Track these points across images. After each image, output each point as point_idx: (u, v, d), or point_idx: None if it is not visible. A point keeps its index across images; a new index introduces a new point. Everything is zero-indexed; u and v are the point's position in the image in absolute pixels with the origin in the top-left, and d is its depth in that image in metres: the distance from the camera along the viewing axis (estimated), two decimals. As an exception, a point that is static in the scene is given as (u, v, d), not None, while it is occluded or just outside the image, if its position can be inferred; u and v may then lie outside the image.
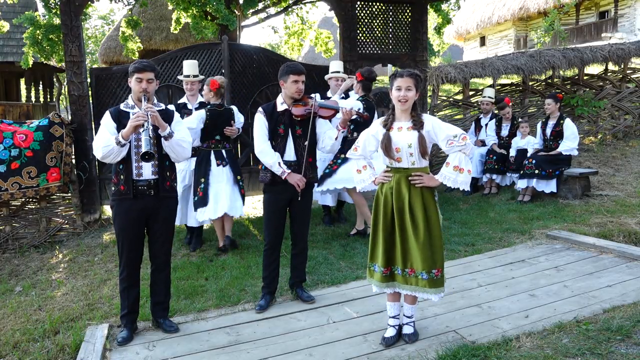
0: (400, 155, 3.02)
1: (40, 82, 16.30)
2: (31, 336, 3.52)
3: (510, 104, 7.32)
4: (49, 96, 16.86)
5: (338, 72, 5.73)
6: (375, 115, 5.37)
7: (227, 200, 4.91)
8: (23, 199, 5.77)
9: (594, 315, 3.36)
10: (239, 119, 5.26)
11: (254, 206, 7.36)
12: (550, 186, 6.44)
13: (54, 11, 8.73)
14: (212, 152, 4.97)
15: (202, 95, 5.36)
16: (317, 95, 5.42)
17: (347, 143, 4.92)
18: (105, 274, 4.76)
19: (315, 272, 4.47)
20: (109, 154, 3.19)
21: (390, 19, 7.26)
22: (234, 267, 4.68)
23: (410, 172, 3.03)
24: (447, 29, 14.30)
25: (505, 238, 5.27)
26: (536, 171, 6.42)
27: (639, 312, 3.28)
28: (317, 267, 4.61)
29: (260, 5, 13.05)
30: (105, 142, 3.18)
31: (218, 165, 4.96)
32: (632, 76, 9.41)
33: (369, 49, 7.22)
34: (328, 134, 3.76)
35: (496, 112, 7.55)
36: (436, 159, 7.61)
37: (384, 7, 7.20)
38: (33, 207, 5.87)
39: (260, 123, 3.71)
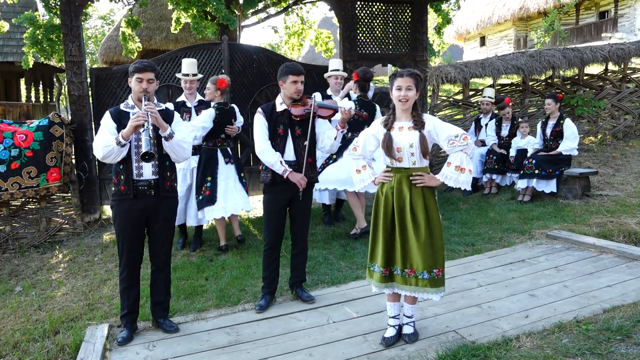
0: (401, 155, 3.02)
1: (40, 82, 16.30)
2: (31, 336, 3.52)
3: (510, 104, 7.32)
4: (49, 96, 16.86)
5: (338, 70, 5.74)
6: (378, 112, 5.36)
7: (237, 199, 4.99)
8: (23, 199, 5.77)
9: (594, 315, 3.36)
10: (240, 117, 5.29)
11: (254, 206, 7.35)
12: (550, 186, 6.44)
13: (54, 11, 8.73)
14: (218, 150, 5.00)
15: (199, 93, 5.37)
16: (318, 95, 5.43)
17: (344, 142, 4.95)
18: (105, 274, 4.76)
19: (315, 272, 4.47)
20: (109, 154, 3.18)
21: (390, 19, 7.26)
22: (234, 267, 4.68)
23: (411, 172, 3.04)
24: (447, 29, 14.29)
25: (505, 238, 5.27)
26: (536, 171, 6.42)
27: (639, 312, 3.28)
28: (317, 267, 4.61)
29: (260, 5, 13.05)
30: (106, 143, 3.17)
31: (226, 163, 5.02)
32: (632, 76, 9.41)
33: (369, 49, 7.22)
34: (327, 133, 3.76)
35: (496, 112, 7.55)
36: (436, 159, 7.62)
37: (384, 7, 7.20)
38: (33, 207, 5.87)
39: (260, 123, 3.71)
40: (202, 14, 9.84)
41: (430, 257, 2.99)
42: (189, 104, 5.15)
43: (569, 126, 6.50)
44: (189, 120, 5.01)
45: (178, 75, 5.23)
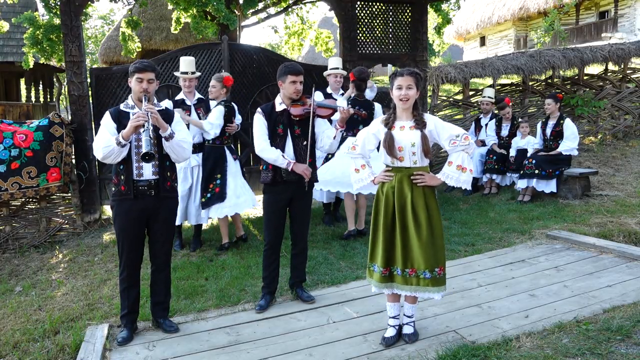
0: (402, 154, 3.02)
1: (40, 82, 16.31)
2: (31, 336, 3.52)
3: (510, 104, 7.32)
4: (49, 96, 16.87)
5: (337, 68, 5.74)
6: (376, 110, 5.35)
7: (247, 195, 5.14)
8: (23, 199, 5.77)
9: (594, 315, 3.36)
10: (238, 116, 5.37)
11: (254, 206, 7.35)
12: (550, 186, 6.44)
13: (54, 11, 8.73)
14: (225, 147, 5.07)
15: (198, 92, 5.39)
16: (320, 94, 5.43)
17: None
18: (105, 274, 4.76)
19: (315, 272, 4.47)
20: (109, 155, 3.18)
21: (390, 19, 7.26)
22: (234, 267, 4.68)
23: (412, 172, 3.04)
24: (447, 29, 14.30)
25: (505, 238, 5.27)
26: (536, 171, 6.42)
27: (639, 312, 3.28)
28: (317, 267, 4.61)
29: (260, 5, 13.05)
30: (106, 143, 3.17)
31: (235, 159, 5.14)
32: (632, 76, 9.41)
33: (369, 49, 7.22)
34: (327, 133, 3.77)
35: (496, 112, 7.55)
36: (436, 159, 7.61)
37: (384, 7, 7.20)
38: (33, 207, 5.87)
39: (259, 123, 3.71)
40: (202, 14, 9.84)
41: (432, 256, 3.00)
42: (188, 102, 5.14)
43: (569, 126, 6.50)
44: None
45: (176, 73, 5.22)
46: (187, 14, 9.79)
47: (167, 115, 3.39)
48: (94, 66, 10.33)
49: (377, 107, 5.42)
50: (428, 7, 8.12)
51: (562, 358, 2.79)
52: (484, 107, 7.50)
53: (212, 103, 5.29)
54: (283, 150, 3.69)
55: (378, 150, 3.26)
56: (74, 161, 6.00)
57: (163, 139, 3.26)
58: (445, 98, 8.26)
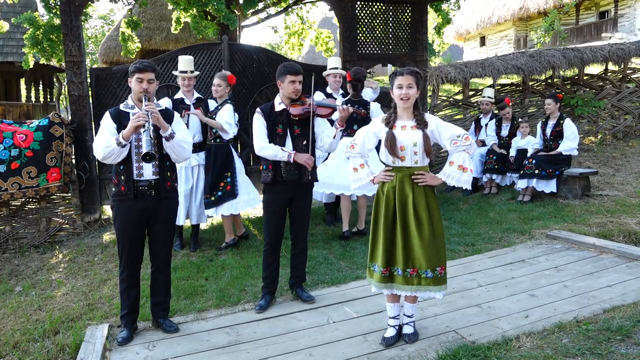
0: (404, 154, 3.02)
1: (40, 82, 16.31)
2: (31, 336, 3.52)
3: (510, 104, 7.32)
4: (49, 96, 16.87)
5: (336, 68, 5.75)
6: (372, 110, 5.35)
7: (254, 192, 5.25)
8: (23, 199, 5.77)
9: (594, 315, 3.36)
10: (235, 115, 5.39)
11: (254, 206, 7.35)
12: (550, 186, 6.44)
13: (54, 11, 8.73)
14: (230, 145, 5.12)
15: (197, 91, 5.39)
16: (320, 94, 5.43)
17: None
18: (105, 274, 4.76)
19: (315, 272, 4.47)
20: (109, 155, 3.18)
21: (390, 19, 7.26)
22: (234, 267, 4.68)
23: (412, 171, 3.04)
24: (447, 29, 14.30)
25: (505, 238, 5.27)
26: (536, 171, 6.42)
27: (639, 312, 3.28)
28: (317, 267, 4.61)
29: (260, 5, 13.05)
30: (106, 143, 3.17)
31: (239, 157, 5.25)
32: (632, 76, 9.41)
33: (369, 49, 7.22)
34: (327, 132, 3.76)
35: (496, 112, 7.55)
36: (436, 158, 7.61)
37: (384, 7, 7.20)
38: (33, 207, 5.87)
39: (258, 123, 3.72)
40: (202, 14, 9.84)
41: (434, 256, 3.00)
42: (187, 102, 5.13)
43: (569, 126, 6.50)
44: (188, 118, 5.00)
45: (175, 72, 5.21)
46: (187, 14, 9.79)
47: (167, 115, 3.39)
48: (94, 66, 10.33)
49: (373, 106, 5.43)
50: (428, 7, 8.12)
51: (562, 358, 2.79)
52: (484, 107, 7.50)
53: (211, 102, 5.29)
54: (283, 150, 3.69)
55: (378, 151, 3.26)
56: (74, 161, 6.00)
57: (163, 139, 3.26)
58: (445, 98, 8.26)
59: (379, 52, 7.27)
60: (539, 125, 6.87)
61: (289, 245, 3.99)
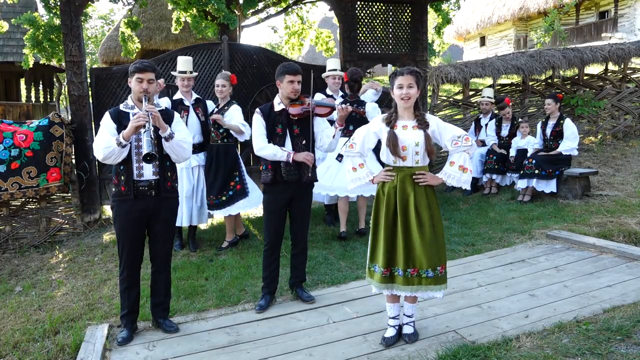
0: (405, 153, 3.02)
1: (40, 82, 16.31)
2: (31, 336, 3.52)
3: (510, 104, 7.32)
4: (49, 96, 16.87)
5: (335, 70, 5.75)
6: (368, 109, 5.35)
7: (258, 190, 5.25)
8: (23, 199, 5.77)
9: (594, 315, 3.36)
10: None
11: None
12: (550, 186, 6.44)
13: (54, 11, 8.73)
14: (234, 145, 5.17)
15: (196, 92, 5.39)
16: (321, 95, 5.44)
17: None
18: (105, 274, 4.76)
19: (315, 272, 4.47)
20: (110, 155, 3.17)
21: (390, 19, 7.26)
22: (234, 267, 4.68)
23: (413, 171, 3.04)
24: (447, 29, 14.30)
25: (505, 238, 5.27)
26: (536, 171, 6.42)
27: (639, 312, 3.28)
28: (317, 267, 4.61)
29: (260, 5, 13.05)
30: (106, 144, 3.16)
31: (240, 156, 5.31)
32: (632, 76, 9.41)
33: (369, 49, 7.22)
34: (326, 132, 3.77)
35: (496, 112, 7.55)
36: (436, 158, 7.61)
37: (384, 7, 7.20)
38: (33, 207, 5.87)
39: (258, 123, 3.72)
40: (202, 14, 9.84)
41: (435, 255, 3.01)
42: (186, 103, 5.11)
43: (569, 126, 6.50)
44: (187, 118, 4.99)
45: (174, 73, 5.20)
46: (187, 14, 9.79)
47: (167, 116, 3.39)
48: (94, 66, 10.33)
49: (369, 106, 5.43)
50: (428, 7, 8.12)
51: (562, 358, 2.79)
52: (484, 107, 7.50)
53: (209, 103, 5.29)
54: (282, 150, 3.69)
55: (377, 152, 3.26)
56: (74, 161, 6.00)
57: (163, 139, 3.26)
58: (445, 98, 8.26)
59: (379, 52, 7.27)
60: (539, 125, 6.87)
61: (289, 245, 3.99)
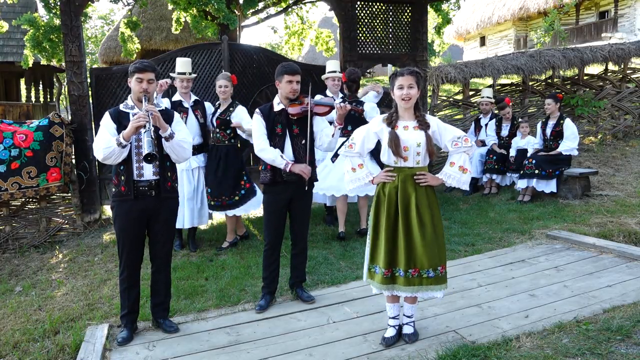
0: (407, 154, 3.02)
1: (40, 82, 16.31)
2: (31, 336, 3.52)
3: (510, 104, 7.32)
4: (49, 96, 16.87)
5: (334, 71, 5.75)
6: (366, 109, 5.36)
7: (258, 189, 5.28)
8: (23, 199, 5.77)
9: (594, 315, 3.36)
10: None
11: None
12: (550, 186, 6.44)
13: (54, 11, 8.73)
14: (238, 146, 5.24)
15: (195, 93, 5.40)
16: (321, 96, 5.44)
17: None
18: (105, 274, 4.76)
19: (315, 272, 4.47)
20: (110, 155, 3.17)
21: (390, 19, 7.26)
22: (234, 267, 4.68)
23: (414, 171, 3.05)
24: (447, 29, 14.31)
25: (505, 238, 5.27)
26: (536, 171, 6.42)
27: (639, 312, 3.28)
28: (317, 267, 4.61)
29: (260, 5, 13.06)
30: (106, 144, 3.16)
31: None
32: (632, 76, 9.41)
33: (369, 49, 7.22)
34: (325, 131, 3.77)
35: (496, 112, 7.55)
36: (436, 159, 7.61)
37: (384, 7, 7.21)
38: (33, 207, 5.87)
39: (258, 123, 3.72)
40: (202, 14, 9.84)
41: (436, 255, 3.02)
42: (185, 104, 5.09)
43: (569, 126, 6.50)
44: (186, 120, 4.97)
45: (172, 74, 5.19)
46: (187, 14, 9.80)
47: (167, 116, 3.39)
48: (94, 66, 10.33)
49: (367, 107, 5.43)
50: (428, 7, 8.12)
51: (562, 358, 2.79)
52: (484, 107, 7.50)
53: (208, 105, 5.28)
54: (282, 149, 3.69)
55: (373, 153, 3.26)
56: (74, 161, 6.00)
57: (163, 139, 3.26)
58: (445, 98, 8.26)
59: (379, 52, 7.27)
60: (539, 125, 6.87)
61: (289, 245, 3.99)
